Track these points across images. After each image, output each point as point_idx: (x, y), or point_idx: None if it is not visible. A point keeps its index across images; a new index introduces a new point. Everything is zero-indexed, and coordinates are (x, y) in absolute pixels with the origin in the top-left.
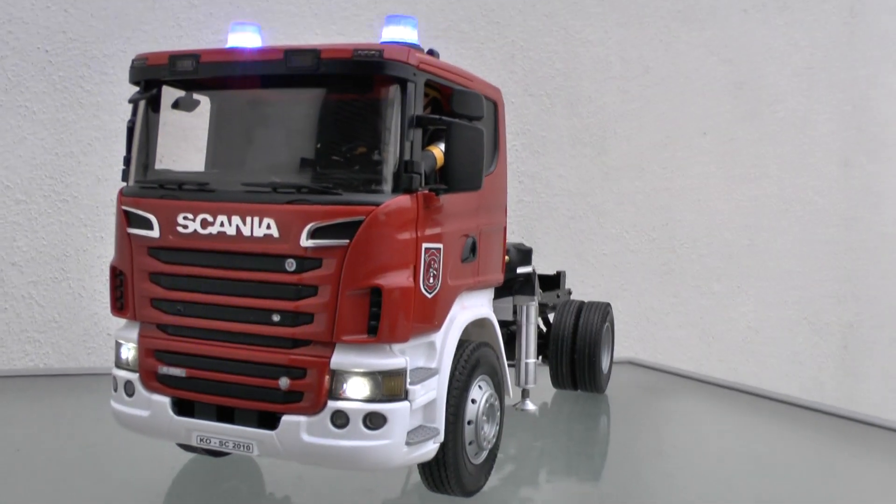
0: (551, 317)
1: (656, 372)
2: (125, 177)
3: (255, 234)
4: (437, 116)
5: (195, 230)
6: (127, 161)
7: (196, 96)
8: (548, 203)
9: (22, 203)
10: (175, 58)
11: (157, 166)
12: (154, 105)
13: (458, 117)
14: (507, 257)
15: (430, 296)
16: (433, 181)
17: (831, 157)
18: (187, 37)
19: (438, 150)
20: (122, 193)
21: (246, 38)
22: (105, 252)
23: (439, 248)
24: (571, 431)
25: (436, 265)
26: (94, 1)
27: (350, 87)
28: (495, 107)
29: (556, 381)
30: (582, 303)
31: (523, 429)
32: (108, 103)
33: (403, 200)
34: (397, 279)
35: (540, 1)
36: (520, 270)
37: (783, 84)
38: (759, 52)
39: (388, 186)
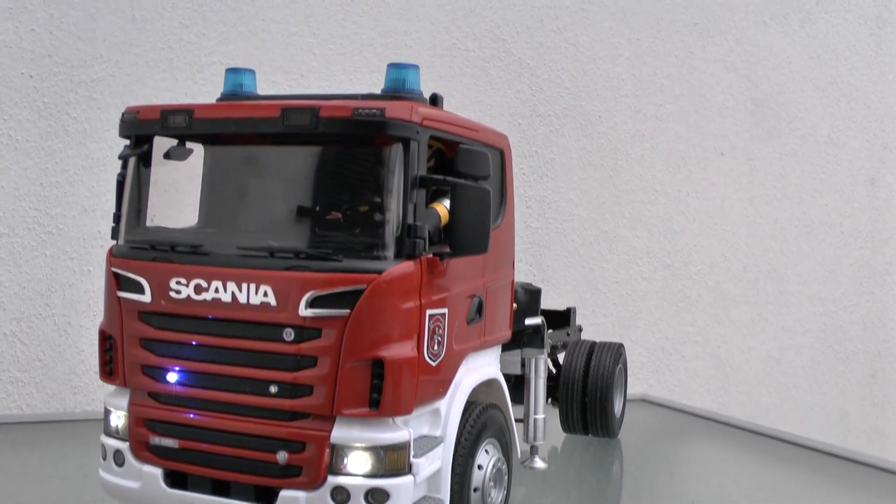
0: (561, 357)
1: (671, 411)
2: (115, 234)
3: (251, 301)
4: (442, 177)
5: (189, 296)
6: (117, 218)
7: (189, 144)
8: (557, 229)
9: (4, 236)
10: (167, 113)
11: (149, 223)
12: (145, 160)
13: (464, 177)
14: (514, 304)
15: (434, 364)
16: (437, 239)
17: (857, 176)
18: (178, 59)
19: (442, 206)
20: (111, 253)
21: (243, 81)
22: (92, 286)
23: (444, 314)
24: (583, 484)
25: (440, 331)
26: (81, 23)
27: (350, 145)
28: (502, 155)
29: (567, 425)
30: (594, 343)
31: (532, 483)
32: (96, 130)
33: (406, 267)
34: (400, 350)
35: (548, 16)
36: (528, 322)
37: (805, 100)
38: (780, 66)
39: (390, 252)
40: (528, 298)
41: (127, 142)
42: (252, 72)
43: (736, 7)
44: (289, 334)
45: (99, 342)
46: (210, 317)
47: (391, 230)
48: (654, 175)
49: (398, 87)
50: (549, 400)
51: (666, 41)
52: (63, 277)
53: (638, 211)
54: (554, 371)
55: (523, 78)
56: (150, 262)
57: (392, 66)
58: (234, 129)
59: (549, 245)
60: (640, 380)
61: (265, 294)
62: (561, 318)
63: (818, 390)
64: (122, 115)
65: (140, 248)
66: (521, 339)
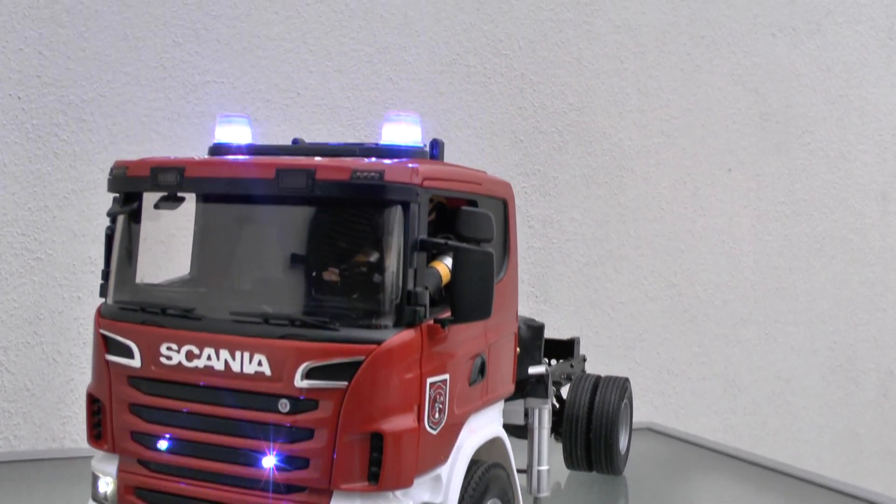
0: (564, 390)
1: (677, 442)
2: (103, 292)
3: (245, 370)
4: (443, 240)
5: (180, 362)
6: (105, 275)
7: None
8: (560, 249)
9: None
10: (157, 170)
11: (139, 280)
12: (135, 216)
13: (466, 240)
14: (517, 351)
15: (435, 432)
16: (438, 297)
17: (868, 190)
18: (171, 78)
19: (443, 265)
20: (99, 313)
21: (235, 132)
22: (82, 313)
23: (445, 380)
24: None
25: (441, 398)
26: (71, 42)
27: (348, 207)
28: (505, 206)
29: (570, 461)
30: (598, 378)
31: None
32: (86, 153)
33: (406, 337)
34: (400, 422)
35: (552, 29)
36: (532, 371)
37: (814, 113)
38: (789, 79)
39: (389, 320)
40: (531, 335)
41: (114, 175)
42: (246, 118)
43: (744, 19)
44: (284, 405)
45: (87, 405)
46: (202, 384)
47: (390, 297)
48: (660, 192)
49: (397, 140)
50: (553, 435)
51: (672, 54)
52: (52, 304)
53: (643, 229)
54: (557, 405)
55: (525, 94)
56: (140, 325)
57: (390, 115)
58: (226, 189)
59: (552, 265)
60: (646, 402)
61: (259, 363)
62: (564, 348)
63: (828, 411)
64: (111, 169)
65: (129, 310)
66: (524, 388)
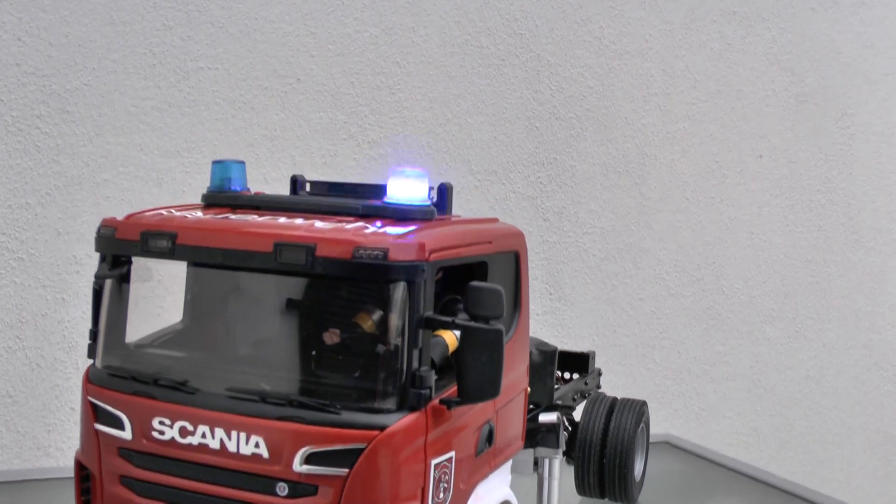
0: (578, 410)
1: (698, 460)
2: (91, 354)
3: (241, 451)
4: (450, 319)
5: (173, 437)
6: (93, 335)
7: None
8: (577, 243)
9: None
10: (148, 235)
11: (128, 340)
12: (124, 278)
13: (474, 317)
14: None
15: None
16: (444, 365)
17: None
18: (161, 65)
19: (450, 332)
20: (87, 379)
21: (231, 176)
22: (67, 316)
23: (451, 458)
24: None
25: (446, 477)
26: (53, 27)
27: (350, 283)
28: (516, 258)
29: (582, 487)
30: (614, 400)
31: None
32: (70, 146)
33: (410, 422)
34: None
35: (571, 6)
36: (542, 419)
37: (855, 94)
38: (828, 57)
39: (392, 403)
40: (543, 360)
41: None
42: (241, 164)
43: None
44: (282, 489)
45: (75, 472)
46: (197, 462)
47: (394, 379)
48: (685, 181)
49: (403, 202)
50: (565, 458)
51: (701, 32)
52: (35, 307)
53: (666, 221)
54: (570, 428)
55: (542, 77)
56: (131, 395)
57: (395, 171)
58: (221, 260)
59: (568, 261)
60: (665, 404)
61: (257, 445)
62: (578, 363)
63: (861, 412)
64: (98, 229)
65: (119, 377)
66: (534, 436)
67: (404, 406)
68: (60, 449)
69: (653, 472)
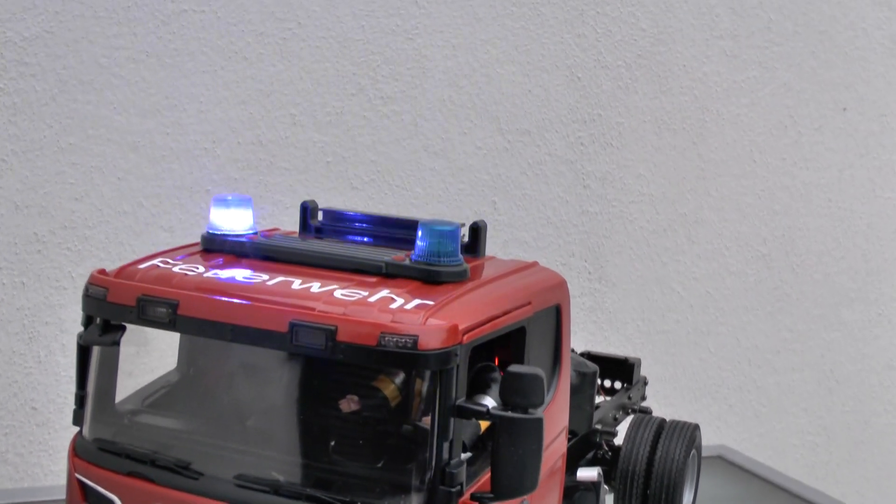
0: (620, 436)
1: (754, 479)
2: (77, 420)
3: None
4: (485, 408)
5: None
6: (80, 400)
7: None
8: (622, 213)
9: None
10: (146, 302)
11: (118, 403)
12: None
13: (511, 406)
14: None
15: None
16: (472, 445)
17: None
18: (137, 7)
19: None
20: (74, 452)
21: (232, 217)
22: (27, 302)
23: None
24: None
25: None
26: None
27: (373, 370)
28: (558, 312)
29: None
30: (662, 423)
31: None
32: (29, 104)
33: None
34: None
35: None
36: (581, 475)
37: None
38: None
39: (419, 501)
40: (582, 383)
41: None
42: (248, 200)
43: None
44: None
45: None
46: None
47: (421, 474)
48: (752, 140)
49: (433, 258)
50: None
51: None
52: None
53: (727, 187)
54: (610, 454)
55: (586, 18)
56: (125, 476)
57: (426, 228)
58: (229, 336)
59: (611, 234)
60: (719, 399)
61: None
62: (620, 370)
63: None
64: (86, 288)
65: (111, 453)
66: (571, 495)
67: (433, 503)
68: (20, 454)
69: (703, 497)
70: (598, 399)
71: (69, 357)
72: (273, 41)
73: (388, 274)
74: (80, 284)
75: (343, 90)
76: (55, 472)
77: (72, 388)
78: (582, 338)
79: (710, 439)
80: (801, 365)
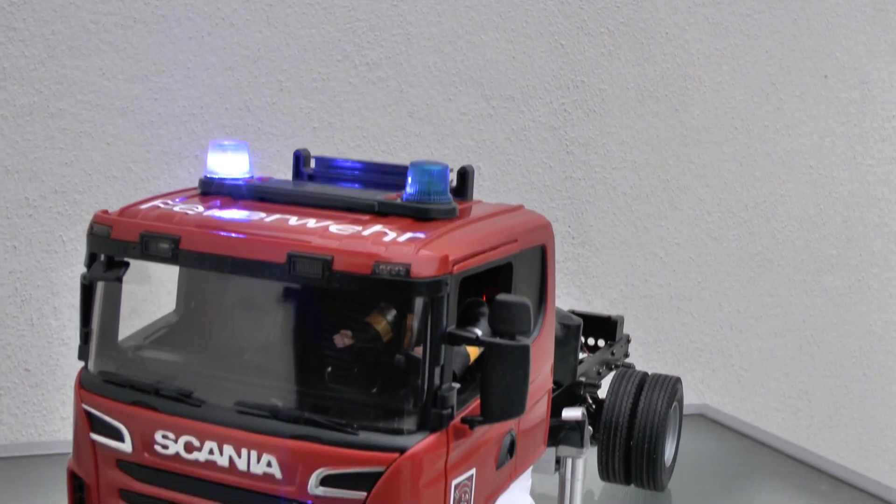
0: (603, 385)
1: (736, 435)
2: (82, 355)
3: (252, 470)
4: (475, 334)
5: (177, 452)
6: (84, 336)
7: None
8: (604, 179)
9: None
10: (148, 237)
11: (122, 340)
12: (119, 278)
13: (500, 333)
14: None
15: None
16: (463, 376)
17: None
18: None
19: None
20: (80, 384)
21: (230, 162)
22: (19, 266)
23: (471, 475)
24: None
25: (467, 496)
26: None
27: (368, 298)
28: (543, 252)
29: (606, 473)
30: (644, 376)
31: None
32: (18, 69)
33: (431, 443)
34: None
35: None
36: (566, 415)
37: None
38: None
39: (412, 423)
40: (566, 335)
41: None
42: (244, 145)
43: None
44: None
45: (68, 483)
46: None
47: (414, 399)
48: (734, 107)
49: (424, 196)
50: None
51: None
52: None
53: (710, 154)
54: (594, 406)
55: None
56: (130, 405)
57: (417, 168)
58: (229, 269)
59: (594, 200)
60: (702, 363)
61: (269, 464)
62: (603, 328)
63: None
64: (91, 227)
65: (116, 384)
66: (556, 434)
67: (425, 427)
68: (14, 415)
69: (685, 452)
70: (582, 356)
71: (60, 320)
72: (259, 7)
73: (381, 212)
74: (71, 248)
75: (329, 56)
76: (49, 431)
77: (63, 349)
78: (566, 302)
79: (692, 401)
80: (783, 330)
